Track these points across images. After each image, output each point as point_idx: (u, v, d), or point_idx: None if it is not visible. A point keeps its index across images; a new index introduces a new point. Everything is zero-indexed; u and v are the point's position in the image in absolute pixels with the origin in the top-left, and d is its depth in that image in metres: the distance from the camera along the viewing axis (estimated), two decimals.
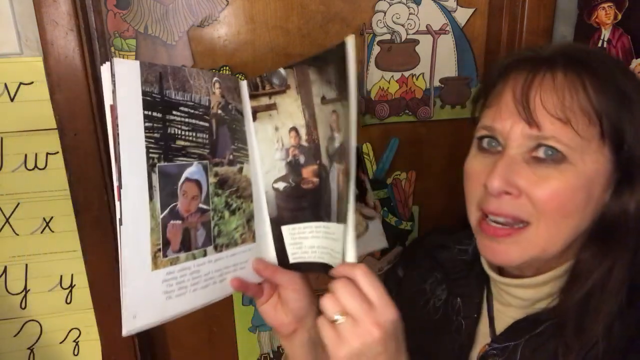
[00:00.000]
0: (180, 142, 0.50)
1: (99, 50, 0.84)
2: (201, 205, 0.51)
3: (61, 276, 0.92)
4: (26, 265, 0.91)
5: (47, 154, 0.86)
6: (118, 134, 0.45)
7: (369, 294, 0.45)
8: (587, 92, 0.50)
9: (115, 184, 0.46)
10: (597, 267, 0.52)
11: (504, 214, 0.53)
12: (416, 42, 0.96)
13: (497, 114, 0.54)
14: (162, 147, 0.48)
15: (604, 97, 0.50)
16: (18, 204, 0.87)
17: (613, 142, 0.51)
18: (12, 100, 0.82)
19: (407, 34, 0.95)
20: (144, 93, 0.47)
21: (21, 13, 0.78)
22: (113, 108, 0.46)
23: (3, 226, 0.88)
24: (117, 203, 0.46)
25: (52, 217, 0.89)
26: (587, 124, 0.50)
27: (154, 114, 0.48)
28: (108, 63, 0.46)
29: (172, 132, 0.50)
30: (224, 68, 0.91)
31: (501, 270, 0.60)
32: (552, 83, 0.51)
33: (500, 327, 0.60)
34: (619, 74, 0.52)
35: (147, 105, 0.47)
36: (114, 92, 0.46)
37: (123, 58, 0.87)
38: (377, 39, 0.95)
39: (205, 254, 0.53)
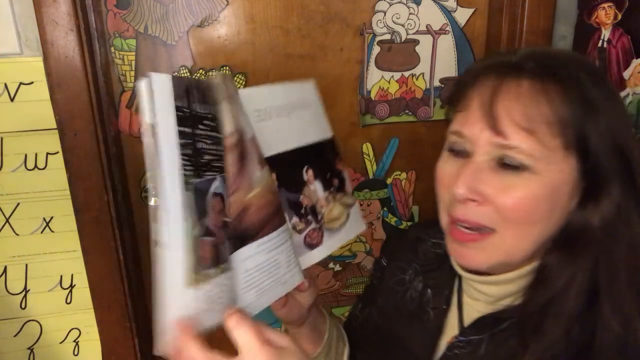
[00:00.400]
0: (207, 157, 0.49)
1: (99, 50, 0.84)
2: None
3: (61, 276, 0.92)
4: (26, 265, 0.91)
5: (47, 154, 0.86)
6: (159, 152, 0.43)
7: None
8: (551, 101, 0.50)
9: (151, 203, 0.44)
10: (561, 273, 0.52)
11: (469, 221, 0.54)
12: (416, 42, 0.96)
13: (465, 119, 0.54)
14: (194, 163, 0.47)
15: (568, 107, 0.50)
16: (18, 204, 0.87)
17: (578, 151, 0.51)
18: (12, 100, 0.82)
19: (407, 34, 0.95)
20: (177, 108, 0.46)
21: (21, 13, 0.78)
22: (153, 126, 0.43)
23: (3, 226, 0.88)
24: (152, 224, 0.44)
25: (52, 217, 0.89)
26: (551, 135, 0.50)
27: (186, 129, 0.46)
28: (146, 79, 0.43)
29: (200, 146, 0.48)
30: (224, 68, 0.91)
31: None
32: (518, 91, 0.51)
33: (468, 320, 0.62)
34: (586, 81, 0.51)
35: (180, 121, 0.45)
36: (152, 109, 0.43)
37: (123, 58, 0.87)
38: (377, 39, 0.95)
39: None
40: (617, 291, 0.50)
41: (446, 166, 0.58)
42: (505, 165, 0.51)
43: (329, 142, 0.73)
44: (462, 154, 0.55)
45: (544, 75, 0.51)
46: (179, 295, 0.46)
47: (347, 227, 0.71)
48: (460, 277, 0.64)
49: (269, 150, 0.63)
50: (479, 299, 0.60)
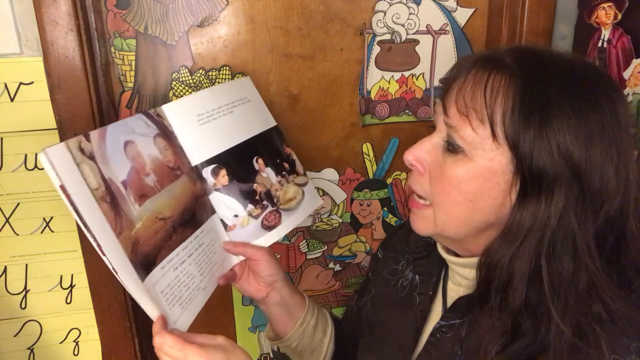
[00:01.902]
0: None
1: (99, 50, 0.84)
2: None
3: (61, 276, 0.92)
4: (26, 265, 0.91)
5: None
6: (78, 209, 0.51)
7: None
8: (485, 94, 0.52)
9: (94, 245, 0.52)
10: (497, 260, 0.52)
11: (410, 188, 0.61)
12: (416, 42, 0.96)
13: (438, 102, 0.60)
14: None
15: (510, 97, 0.51)
16: (18, 204, 0.87)
17: (511, 146, 0.51)
18: (12, 100, 0.82)
19: (407, 34, 0.95)
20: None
21: (21, 13, 0.78)
22: (63, 188, 0.51)
23: (3, 226, 0.88)
24: (104, 258, 0.53)
25: (52, 217, 0.89)
26: (480, 123, 0.52)
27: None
28: (43, 153, 0.51)
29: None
30: (224, 68, 0.91)
31: (448, 251, 0.64)
32: (476, 79, 0.54)
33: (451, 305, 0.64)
34: (551, 85, 0.51)
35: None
36: (57, 175, 0.51)
37: (123, 58, 0.87)
38: (377, 39, 0.95)
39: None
40: (563, 298, 0.49)
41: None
42: (449, 148, 0.55)
43: (275, 130, 0.80)
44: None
45: (502, 68, 0.53)
46: (139, 293, 0.56)
47: (304, 204, 0.79)
48: (447, 266, 0.66)
49: (217, 149, 0.72)
50: (461, 284, 0.62)
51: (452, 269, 0.64)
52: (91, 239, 0.52)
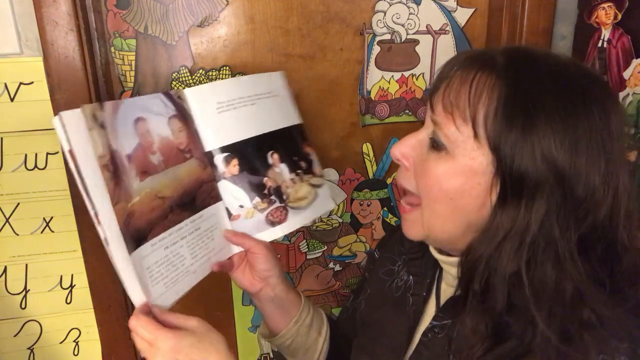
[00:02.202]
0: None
1: (99, 50, 0.84)
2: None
3: (61, 276, 0.92)
4: (26, 265, 0.91)
5: (47, 154, 0.86)
6: (82, 175, 0.54)
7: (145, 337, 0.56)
8: (469, 94, 0.52)
9: (92, 212, 0.54)
10: (476, 260, 0.52)
11: (399, 184, 0.61)
12: (416, 42, 0.96)
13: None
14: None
15: (496, 98, 0.50)
16: (18, 204, 0.87)
17: (492, 148, 0.50)
18: (12, 100, 0.82)
19: (407, 34, 0.95)
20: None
21: (21, 13, 0.78)
22: (72, 153, 0.54)
23: (3, 226, 0.88)
24: (97, 227, 0.55)
25: (52, 217, 0.89)
26: (463, 122, 0.52)
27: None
28: (57, 117, 0.53)
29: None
30: (224, 68, 0.91)
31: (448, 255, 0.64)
32: (463, 77, 0.53)
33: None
34: (541, 90, 0.50)
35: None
36: (68, 140, 0.53)
37: (123, 58, 0.87)
38: (377, 39, 0.95)
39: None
40: (547, 305, 0.48)
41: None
42: (433, 145, 0.55)
43: (297, 128, 0.79)
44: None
45: (488, 68, 0.52)
46: (125, 267, 0.57)
47: (315, 205, 0.79)
48: (441, 267, 0.66)
49: (232, 138, 0.72)
50: (453, 284, 0.61)
51: (445, 270, 0.64)
52: (89, 207, 0.54)
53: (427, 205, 0.57)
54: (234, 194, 0.72)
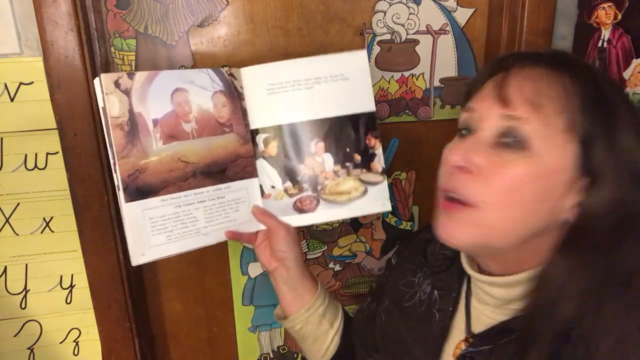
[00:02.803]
0: None
1: (99, 50, 0.84)
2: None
3: (61, 276, 0.92)
4: (26, 265, 0.91)
5: (47, 154, 0.86)
6: (110, 131, 0.64)
7: None
8: (564, 85, 0.51)
9: (112, 161, 0.65)
10: (563, 279, 0.50)
11: (456, 189, 0.53)
12: (416, 42, 0.96)
13: (478, 97, 0.56)
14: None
15: (579, 94, 0.50)
16: (18, 204, 0.87)
17: (583, 141, 0.50)
18: (12, 100, 0.82)
19: (407, 34, 0.95)
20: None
21: (21, 13, 0.78)
22: (104, 110, 0.64)
23: (3, 226, 0.88)
24: (114, 174, 0.66)
25: (52, 217, 0.89)
26: (556, 114, 0.50)
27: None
28: (98, 77, 0.64)
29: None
30: (224, 68, 0.91)
31: (480, 269, 0.61)
32: (531, 72, 0.52)
33: (475, 324, 0.60)
34: (602, 81, 0.52)
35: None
36: (103, 98, 0.64)
37: (123, 58, 0.87)
38: (377, 39, 0.95)
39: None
40: (633, 298, 0.47)
41: (451, 145, 0.58)
42: (504, 143, 0.51)
43: (366, 116, 0.75)
44: (467, 136, 0.56)
45: (561, 64, 0.52)
46: (128, 213, 0.66)
47: (361, 203, 0.75)
48: (469, 280, 0.63)
49: (277, 120, 0.74)
50: (488, 302, 0.59)
51: (478, 286, 0.60)
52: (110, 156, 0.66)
53: (497, 210, 0.51)
54: (268, 174, 0.75)
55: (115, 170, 0.65)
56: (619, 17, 0.95)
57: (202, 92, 0.70)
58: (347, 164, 0.75)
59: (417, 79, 0.99)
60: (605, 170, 0.49)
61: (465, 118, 0.57)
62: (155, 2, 0.86)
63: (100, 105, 0.65)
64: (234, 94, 0.73)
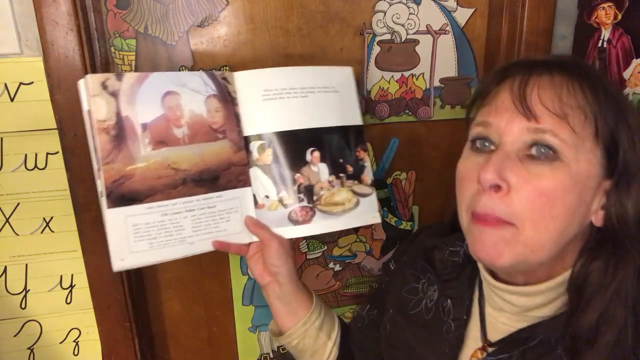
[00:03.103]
0: None
1: (99, 50, 0.84)
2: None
3: (61, 276, 0.92)
4: (26, 265, 0.91)
5: (47, 154, 0.86)
6: (95, 135, 0.62)
7: None
8: (583, 91, 0.51)
9: (95, 167, 0.63)
10: (607, 282, 0.50)
11: (489, 215, 0.51)
12: (416, 42, 0.96)
13: (492, 110, 0.54)
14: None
15: (599, 99, 0.51)
16: (18, 204, 0.87)
17: (606, 145, 0.51)
18: (12, 100, 0.82)
19: (407, 34, 0.95)
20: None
21: (21, 13, 0.78)
22: (90, 113, 0.62)
23: (3, 226, 0.88)
24: (97, 181, 0.63)
25: (52, 217, 0.89)
26: (582, 121, 0.50)
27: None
28: (82, 79, 0.62)
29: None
30: (224, 68, 0.91)
31: (494, 275, 0.59)
32: (550, 81, 0.52)
33: (491, 332, 0.60)
34: (611, 84, 0.54)
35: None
36: (87, 101, 0.62)
37: (123, 58, 0.87)
38: (377, 39, 0.95)
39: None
40: None
41: (468, 162, 0.56)
42: (533, 156, 0.50)
43: (355, 129, 0.76)
44: (485, 150, 0.54)
45: (575, 71, 0.52)
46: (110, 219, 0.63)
47: (354, 214, 0.75)
48: (480, 287, 0.62)
49: (272, 127, 0.71)
50: (504, 309, 0.58)
51: (495, 294, 0.58)
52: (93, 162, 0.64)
53: (538, 226, 0.50)
54: (262, 183, 0.72)
55: (98, 177, 0.62)
56: (619, 17, 0.95)
57: (194, 96, 0.67)
58: (341, 174, 0.74)
59: (417, 79, 0.99)
60: (630, 170, 0.51)
61: (479, 132, 0.55)
62: (155, 2, 0.86)
63: (85, 108, 0.62)
64: (228, 99, 0.70)
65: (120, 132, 0.62)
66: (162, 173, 0.65)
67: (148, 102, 0.64)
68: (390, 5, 0.93)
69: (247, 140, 0.71)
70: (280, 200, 0.72)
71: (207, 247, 0.70)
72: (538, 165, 0.50)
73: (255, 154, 0.71)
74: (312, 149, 0.72)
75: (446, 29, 0.97)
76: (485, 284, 0.61)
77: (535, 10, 0.91)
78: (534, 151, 0.50)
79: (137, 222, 0.64)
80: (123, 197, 0.63)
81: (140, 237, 0.65)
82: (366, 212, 0.76)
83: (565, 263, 0.54)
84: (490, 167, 0.50)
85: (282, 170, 0.71)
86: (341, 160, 0.74)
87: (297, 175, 0.72)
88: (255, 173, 0.71)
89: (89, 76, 0.61)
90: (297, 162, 0.72)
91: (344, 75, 0.76)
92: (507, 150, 0.51)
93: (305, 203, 0.72)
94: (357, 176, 0.75)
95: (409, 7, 0.94)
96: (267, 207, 0.72)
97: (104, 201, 0.62)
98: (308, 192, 0.72)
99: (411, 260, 0.74)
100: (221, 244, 0.70)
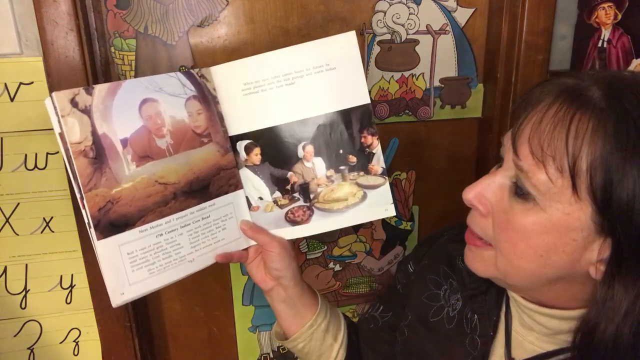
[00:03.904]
0: None
1: (99, 50, 0.84)
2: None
3: (61, 276, 0.92)
4: (26, 265, 0.91)
5: (47, 154, 0.86)
6: (72, 157, 0.55)
7: None
8: (568, 136, 0.44)
9: (78, 196, 0.57)
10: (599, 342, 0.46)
11: (470, 228, 0.54)
12: (416, 42, 0.96)
13: (507, 131, 0.53)
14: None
15: (585, 149, 0.44)
16: (18, 204, 0.87)
17: (595, 200, 0.44)
18: (12, 100, 0.82)
19: (407, 34, 0.95)
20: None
21: (21, 13, 0.78)
22: (62, 135, 0.55)
23: (3, 226, 0.88)
24: (83, 211, 0.57)
25: (52, 217, 0.89)
26: (558, 172, 0.45)
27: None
28: (49, 98, 0.55)
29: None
30: (194, 69, 0.91)
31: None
32: (546, 116, 0.47)
33: (517, 349, 0.58)
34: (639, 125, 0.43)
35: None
36: (59, 122, 0.55)
37: (123, 58, 0.87)
38: (377, 39, 0.95)
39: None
40: None
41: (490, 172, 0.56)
42: (518, 192, 0.49)
43: (359, 110, 0.66)
44: (500, 165, 0.54)
45: (576, 105, 0.45)
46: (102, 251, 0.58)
47: (361, 209, 0.67)
48: (507, 302, 0.61)
49: (255, 125, 0.65)
50: (534, 329, 0.56)
51: (525, 313, 0.57)
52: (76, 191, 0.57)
53: (506, 257, 0.50)
54: (254, 184, 0.67)
55: (83, 207, 0.56)
56: (619, 17, 0.95)
57: (173, 100, 0.61)
58: (342, 167, 0.67)
59: (417, 79, 0.99)
60: (622, 236, 0.44)
61: (501, 149, 0.54)
62: (155, 2, 0.86)
63: (57, 131, 0.55)
64: (209, 98, 0.64)
65: (99, 153, 0.56)
66: (151, 190, 0.59)
67: (125, 115, 0.58)
68: (390, 5, 0.93)
69: (233, 140, 0.66)
70: (275, 201, 0.68)
71: (208, 261, 0.66)
72: (516, 200, 0.49)
73: (243, 155, 0.66)
74: (304, 143, 0.66)
75: (446, 29, 0.97)
76: (512, 301, 0.60)
77: (535, 10, 0.91)
78: (518, 184, 0.49)
79: (132, 250, 0.59)
80: (113, 225, 0.57)
81: (138, 265, 0.60)
82: (376, 204, 0.68)
83: (589, 299, 0.50)
84: (473, 187, 0.52)
85: (273, 169, 0.67)
86: (341, 151, 0.67)
87: (290, 173, 0.67)
88: (245, 174, 0.67)
89: (55, 94, 0.54)
90: (288, 159, 0.66)
91: (342, 45, 0.64)
92: (502, 176, 0.51)
93: (301, 202, 0.68)
94: (363, 166, 0.67)
95: (409, 7, 0.94)
96: (262, 209, 0.68)
97: (92, 232, 0.57)
98: (303, 190, 0.67)
99: (432, 265, 0.71)
100: (224, 257, 0.67)
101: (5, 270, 0.90)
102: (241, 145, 0.66)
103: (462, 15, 0.97)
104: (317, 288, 1.10)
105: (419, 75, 0.99)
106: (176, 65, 0.89)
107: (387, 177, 0.68)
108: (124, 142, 0.58)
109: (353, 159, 0.67)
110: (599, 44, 0.96)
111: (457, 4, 0.96)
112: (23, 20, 0.79)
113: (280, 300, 0.72)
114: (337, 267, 1.09)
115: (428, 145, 1.04)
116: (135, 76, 0.89)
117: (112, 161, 0.57)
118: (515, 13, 0.93)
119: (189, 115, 0.62)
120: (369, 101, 0.66)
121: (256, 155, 0.66)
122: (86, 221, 0.57)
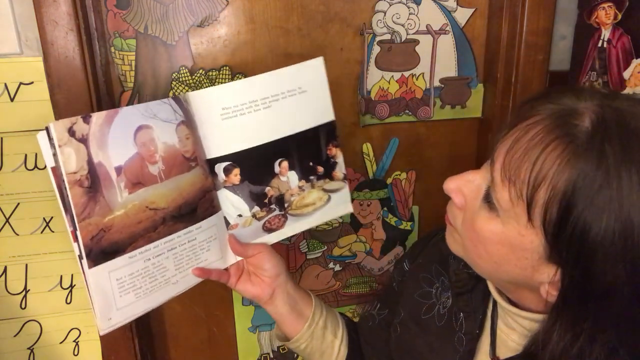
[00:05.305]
0: None
1: (99, 50, 0.84)
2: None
3: (61, 276, 0.92)
4: (26, 265, 0.91)
5: None
6: (67, 191, 0.54)
7: None
8: (535, 165, 0.44)
9: (70, 229, 0.56)
10: (549, 333, 0.48)
11: (448, 213, 0.57)
12: (416, 42, 0.96)
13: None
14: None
15: (545, 186, 0.43)
16: (18, 204, 0.87)
17: (546, 234, 0.44)
18: (12, 100, 0.82)
19: (407, 34, 0.95)
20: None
21: (21, 13, 0.78)
22: (55, 169, 0.54)
23: (3, 226, 0.88)
24: (74, 244, 0.56)
25: (52, 217, 0.89)
26: (518, 198, 0.45)
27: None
28: (44, 131, 0.54)
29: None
30: (224, 68, 0.91)
31: (508, 298, 0.60)
32: (528, 142, 0.45)
33: (501, 348, 0.59)
34: (615, 170, 0.40)
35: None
36: (55, 155, 0.54)
37: (123, 58, 0.87)
38: (377, 39, 0.95)
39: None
40: None
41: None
42: (487, 200, 0.50)
43: (326, 127, 0.73)
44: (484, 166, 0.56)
45: (568, 135, 0.43)
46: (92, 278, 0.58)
47: (326, 210, 0.76)
48: (494, 301, 0.62)
49: (235, 147, 0.68)
50: (516, 329, 0.57)
51: (506, 313, 0.58)
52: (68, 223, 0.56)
53: (468, 252, 0.54)
54: (233, 203, 0.69)
55: (74, 239, 0.55)
56: (619, 17, 0.95)
57: (166, 127, 0.61)
58: (311, 177, 0.73)
59: (417, 79, 0.99)
60: (568, 273, 0.45)
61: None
62: (155, 2, 0.86)
63: (49, 165, 0.55)
64: (194, 124, 0.65)
65: (94, 182, 0.56)
66: (142, 216, 0.59)
67: (120, 142, 0.58)
68: (390, 5, 0.93)
69: (212, 163, 0.67)
70: (254, 215, 0.71)
71: (191, 282, 0.67)
72: (485, 204, 0.50)
73: (222, 176, 0.68)
74: (280, 159, 0.70)
75: (446, 29, 0.97)
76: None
77: (535, 10, 0.91)
78: (490, 193, 0.50)
79: (121, 276, 0.59)
80: (104, 252, 0.57)
81: (126, 290, 0.60)
82: (338, 204, 0.76)
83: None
84: (456, 179, 0.54)
85: (252, 187, 0.70)
86: (311, 164, 0.73)
87: (267, 188, 0.70)
88: (224, 195, 0.69)
89: (54, 123, 0.53)
90: (266, 176, 0.70)
91: (312, 70, 0.70)
92: (482, 177, 0.52)
93: (277, 212, 0.72)
94: (328, 174, 0.75)
95: (409, 7, 0.94)
96: (241, 225, 0.71)
97: (84, 263, 0.56)
98: (279, 201, 0.72)
99: (426, 263, 0.73)
100: (202, 271, 0.67)
101: (5, 270, 0.90)
102: (220, 167, 0.68)
103: (462, 15, 0.97)
104: (317, 288, 1.10)
105: (419, 75, 0.99)
106: (176, 65, 0.89)
107: (346, 181, 0.77)
108: (118, 170, 0.58)
109: (321, 169, 0.74)
110: (599, 44, 0.96)
111: (457, 4, 0.96)
112: (23, 20, 0.79)
113: (283, 302, 0.73)
114: (337, 267, 1.09)
115: (428, 145, 1.04)
116: (135, 76, 0.89)
117: (105, 189, 0.56)
118: (515, 13, 0.93)
119: (179, 141, 0.63)
120: (333, 118, 0.73)
121: (235, 176, 0.68)
122: (77, 253, 0.56)
